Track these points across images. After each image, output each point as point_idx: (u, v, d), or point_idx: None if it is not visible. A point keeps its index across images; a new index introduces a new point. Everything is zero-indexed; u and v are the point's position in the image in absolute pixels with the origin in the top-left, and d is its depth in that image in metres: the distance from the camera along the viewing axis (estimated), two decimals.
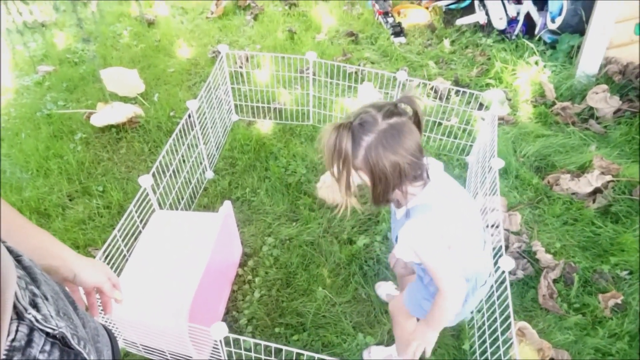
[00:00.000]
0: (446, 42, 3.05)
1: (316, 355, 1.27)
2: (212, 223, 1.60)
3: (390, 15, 3.23)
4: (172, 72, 2.92)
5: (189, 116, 1.96)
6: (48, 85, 2.88)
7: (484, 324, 1.54)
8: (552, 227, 1.99)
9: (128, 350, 1.63)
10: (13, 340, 0.47)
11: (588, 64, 2.59)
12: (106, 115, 2.49)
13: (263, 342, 1.33)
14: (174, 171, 1.93)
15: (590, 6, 2.52)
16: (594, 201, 2.05)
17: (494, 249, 1.57)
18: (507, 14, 2.97)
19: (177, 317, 1.33)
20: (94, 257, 1.51)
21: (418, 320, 1.34)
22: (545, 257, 1.85)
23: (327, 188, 1.53)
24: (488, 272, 1.26)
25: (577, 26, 2.67)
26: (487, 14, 3.02)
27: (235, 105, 2.53)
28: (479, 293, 1.27)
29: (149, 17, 3.37)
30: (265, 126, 2.50)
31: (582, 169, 2.19)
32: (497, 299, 1.45)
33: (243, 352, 1.42)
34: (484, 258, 1.23)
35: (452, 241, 1.11)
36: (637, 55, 2.55)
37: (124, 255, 1.62)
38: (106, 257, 1.51)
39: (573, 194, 2.09)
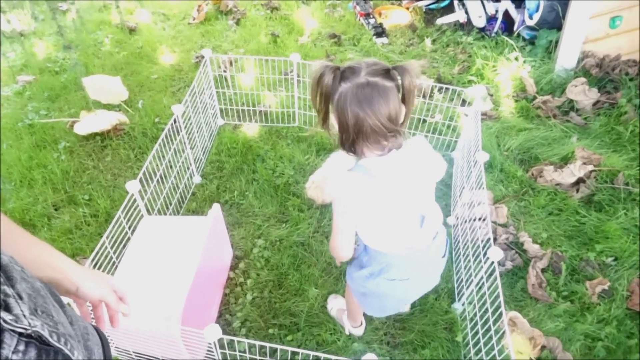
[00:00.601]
0: (427, 42, 3.09)
1: (311, 353, 1.27)
2: (201, 226, 1.59)
3: (371, 16, 3.26)
4: (155, 78, 2.90)
5: (175, 121, 1.95)
6: (29, 95, 2.84)
7: (475, 315, 1.56)
8: (538, 218, 2.03)
9: (120, 359, 1.61)
10: None
11: (566, 58, 2.65)
12: (90, 123, 2.46)
13: (258, 343, 1.32)
14: (161, 177, 1.92)
15: (566, 2, 2.59)
16: (577, 191, 2.09)
17: (482, 241, 1.59)
18: (486, 12, 3.02)
19: (170, 321, 1.32)
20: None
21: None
22: (532, 248, 1.88)
23: (316, 188, 1.54)
24: (426, 246, 1.24)
25: (554, 22, 2.73)
26: (466, 12, 3.07)
27: (221, 110, 2.52)
28: (425, 266, 1.27)
29: (131, 25, 3.35)
30: (251, 129, 2.50)
31: (565, 160, 2.23)
32: (488, 290, 1.46)
33: (238, 353, 1.41)
34: (421, 234, 1.22)
35: (368, 212, 1.14)
36: (613, 48, 2.62)
37: (114, 263, 1.60)
38: (95, 265, 1.49)
39: (557, 184, 2.13)
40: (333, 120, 1.11)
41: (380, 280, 1.24)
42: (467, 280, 1.67)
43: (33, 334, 0.52)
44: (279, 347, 1.30)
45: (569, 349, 1.62)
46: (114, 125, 2.48)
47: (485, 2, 3.02)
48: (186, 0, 3.67)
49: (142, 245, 1.61)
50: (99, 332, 0.76)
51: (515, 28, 2.97)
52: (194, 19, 3.42)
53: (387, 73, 1.04)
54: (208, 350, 1.48)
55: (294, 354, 1.44)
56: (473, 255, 1.65)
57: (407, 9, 3.37)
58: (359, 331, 1.68)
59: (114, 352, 1.57)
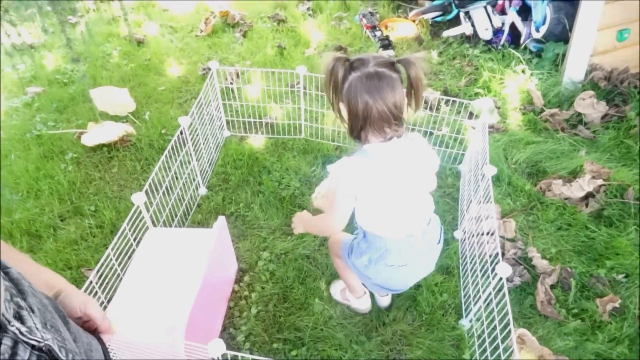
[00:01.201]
0: (434, 54, 3.09)
1: None
2: (206, 238, 1.58)
3: (377, 29, 3.27)
4: (162, 90, 2.92)
5: (181, 133, 1.96)
6: (37, 106, 2.86)
7: (483, 332, 1.53)
8: (547, 233, 2.00)
9: None
10: None
11: (574, 71, 2.63)
12: (97, 134, 2.48)
13: (262, 359, 1.30)
14: (167, 188, 1.92)
15: (573, 15, 2.58)
16: (586, 205, 2.07)
17: (490, 256, 1.57)
18: (492, 25, 3.03)
19: (173, 335, 1.31)
20: (87, 277, 1.48)
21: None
22: (541, 263, 1.85)
23: (322, 198, 1.53)
24: (421, 231, 1.32)
25: (561, 34, 2.73)
26: (472, 25, 3.08)
27: (227, 121, 2.53)
28: (421, 251, 1.34)
29: (139, 37, 3.38)
30: (257, 141, 2.50)
31: (574, 174, 2.21)
32: (496, 307, 1.44)
33: None
34: (416, 218, 1.31)
35: (367, 193, 1.21)
36: (621, 61, 2.61)
37: (118, 275, 1.59)
38: (100, 277, 1.49)
39: (566, 199, 2.10)
40: (343, 108, 1.19)
41: (380, 267, 1.32)
42: (474, 296, 1.64)
43: (44, 348, 0.52)
44: None
45: None
46: (120, 136, 2.49)
47: (491, 14, 3.02)
48: (194, 13, 3.71)
49: (147, 258, 1.60)
50: (101, 343, 0.75)
51: (521, 41, 2.97)
52: (201, 31, 3.45)
53: (392, 65, 1.14)
54: None
55: None
56: (481, 270, 1.63)
57: (414, 21, 3.38)
58: (365, 303, 1.71)
59: None
